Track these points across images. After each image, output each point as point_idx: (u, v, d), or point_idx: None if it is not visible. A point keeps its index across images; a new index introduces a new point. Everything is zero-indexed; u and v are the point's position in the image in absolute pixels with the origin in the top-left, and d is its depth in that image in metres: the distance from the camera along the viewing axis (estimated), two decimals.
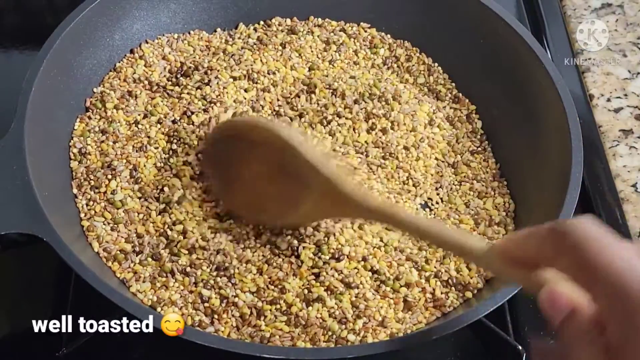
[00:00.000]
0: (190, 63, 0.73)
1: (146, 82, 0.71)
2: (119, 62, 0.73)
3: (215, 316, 0.58)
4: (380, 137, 0.69)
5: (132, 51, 0.74)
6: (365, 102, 0.70)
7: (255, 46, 0.75)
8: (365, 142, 0.69)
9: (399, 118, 0.70)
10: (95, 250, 0.61)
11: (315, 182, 0.57)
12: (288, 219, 0.60)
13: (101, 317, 0.60)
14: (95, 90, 0.70)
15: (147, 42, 0.74)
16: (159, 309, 0.58)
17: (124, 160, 0.65)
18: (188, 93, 0.70)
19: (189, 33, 0.76)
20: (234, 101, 0.70)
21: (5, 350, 0.63)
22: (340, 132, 0.69)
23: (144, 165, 0.66)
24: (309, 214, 0.59)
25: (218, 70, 0.72)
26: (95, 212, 0.63)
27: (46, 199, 0.58)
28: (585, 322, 0.40)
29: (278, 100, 0.71)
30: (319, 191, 0.57)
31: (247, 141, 0.61)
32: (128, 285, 0.59)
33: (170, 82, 0.72)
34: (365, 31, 0.78)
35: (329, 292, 0.59)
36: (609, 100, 0.81)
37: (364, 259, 0.61)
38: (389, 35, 0.78)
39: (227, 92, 0.71)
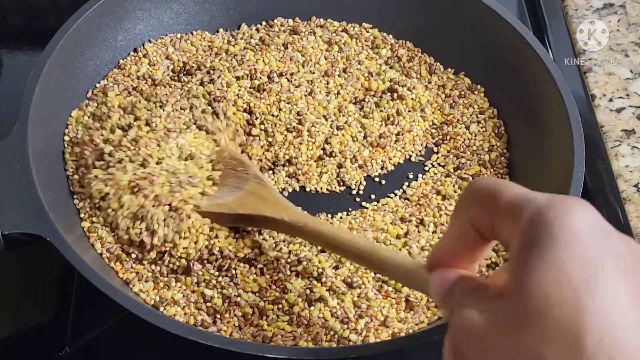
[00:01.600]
0: (193, 63, 0.73)
1: (150, 80, 0.72)
2: (123, 59, 0.73)
3: (218, 316, 0.58)
4: (392, 134, 0.71)
5: (135, 50, 0.74)
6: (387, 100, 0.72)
7: (257, 46, 0.75)
8: (380, 135, 0.70)
9: (413, 116, 0.72)
10: (98, 251, 0.61)
11: (252, 184, 0.62)
12: (221, 206, 0.62)
13: (104, 316, 0.61)
14: (98, 84, 0.71)
15: (150, 42, 0.74)
16: (161, 309, 0.58)
17: None
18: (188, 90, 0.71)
19: (192, 33, 0.76)
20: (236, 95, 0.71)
21: (9, 349, 0.63)
22: (363, 116, 0.71)
23: None
24: (231, 205, 0.61)
25: (221, 70, 0.72)
26: (96, 213, 0.63)
27: (49, 199, 0.58)
28: (474, 282, 0.39)
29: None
30: (252, 189, 0.62)
31: None
32: (131, 285, 0.59)
33: (173, 81, 0.72)
34: (368, 32, 0.78)
35: (331, 292, 0.59)
36: (611, 100, 0.81)
37: None
38: (391, 36, 0.78)
39: (230, 91, 0.71)
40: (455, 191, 0.68)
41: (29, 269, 0.67)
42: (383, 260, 0.52)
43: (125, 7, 0.72)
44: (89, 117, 0.67)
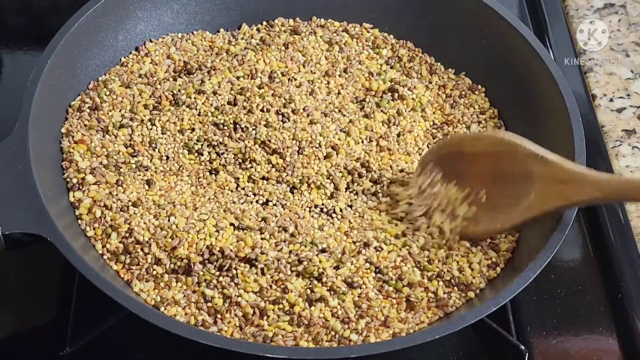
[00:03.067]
0: (194, 62, 0.73)
1: (151, 78, 0.72)
2: (125, 57, 0.73)
3: (219, 316, 0.58)
4: (393, 133, 0.71)
5: (137, 49, 0.74)
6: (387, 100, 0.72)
7: (258, 47, 0.75)
8: (382, 135, 0.70)
9: (414, 116, 0.72)
10: (99, 251, 0.61)
11: (540, 169, 0.59)
12: (507, 220, 0.61)
13: (105, 316, 0.61)
14: (99, 78, 0.71)
15: (151, 42, 0.75)
16: (162, 309, 0.58)
17: None
18: None
19: (193, 33, 0.76)
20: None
21: (9, 349, 0.64)
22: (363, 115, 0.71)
23: None
24: (531, 205, 0.59)
25: (221, 70, 0.72)
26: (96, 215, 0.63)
27: (50, 199, 0.58)
28: None
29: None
30: (544, 177, 0.59)
31: (464, 154, 0.64)
32: (131, 285, 0.59)
33: (172, 79, 0.72)
34: (368, 31, 0.78)
35: (331, 292, 0.59)
36: (611, 100, 0.81)
37: (369, 262, 0.61)
38: (391, 36, 0.78)
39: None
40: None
41: (29, 269, 0.67)
42: None
43: (126, 7, 0.72)
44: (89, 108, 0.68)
